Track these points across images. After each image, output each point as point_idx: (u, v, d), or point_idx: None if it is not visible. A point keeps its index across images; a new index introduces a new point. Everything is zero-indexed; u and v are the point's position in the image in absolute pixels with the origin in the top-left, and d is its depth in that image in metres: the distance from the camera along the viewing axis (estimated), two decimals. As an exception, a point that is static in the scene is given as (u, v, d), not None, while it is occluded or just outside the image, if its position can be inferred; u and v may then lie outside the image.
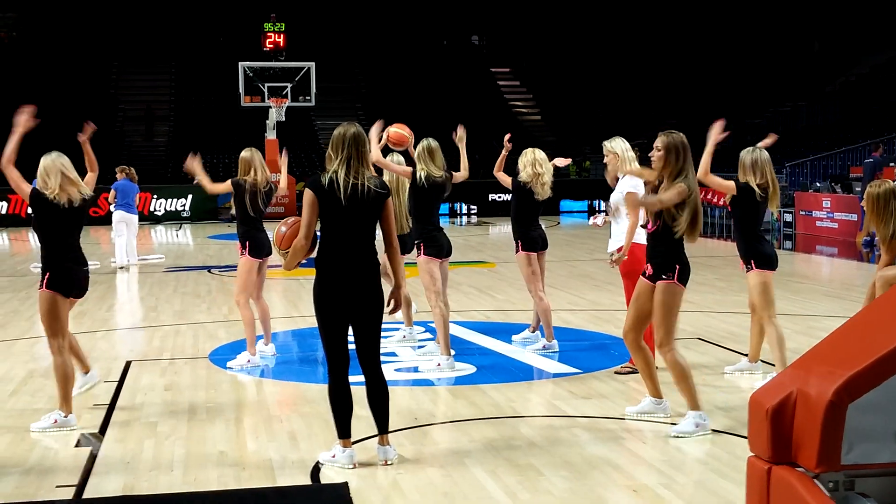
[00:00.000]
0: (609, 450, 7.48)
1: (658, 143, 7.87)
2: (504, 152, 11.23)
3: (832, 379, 3.73)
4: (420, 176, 10.17)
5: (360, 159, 6.97)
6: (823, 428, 3.70)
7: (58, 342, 8.19)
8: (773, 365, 9.44)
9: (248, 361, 10.43)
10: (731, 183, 9.25)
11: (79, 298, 8.44)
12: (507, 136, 11.31)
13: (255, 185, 10.34)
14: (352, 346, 7.12)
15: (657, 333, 7.92)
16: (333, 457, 7.12)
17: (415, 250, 10.52)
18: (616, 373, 9.95)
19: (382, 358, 7.32)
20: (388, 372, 9.90)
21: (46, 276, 8.12)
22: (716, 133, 8.97)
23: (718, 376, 9.81)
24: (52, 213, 8.08)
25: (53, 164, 8.12)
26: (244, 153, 10.48)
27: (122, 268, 19.99)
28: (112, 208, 20.68)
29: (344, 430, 7.10)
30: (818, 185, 30.79)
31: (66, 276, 8.17)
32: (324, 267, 7.00)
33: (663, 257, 7.84)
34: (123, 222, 20.34)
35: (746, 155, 9.28)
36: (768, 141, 9.66)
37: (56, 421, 8.16)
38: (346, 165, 6.92)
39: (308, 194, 6.95)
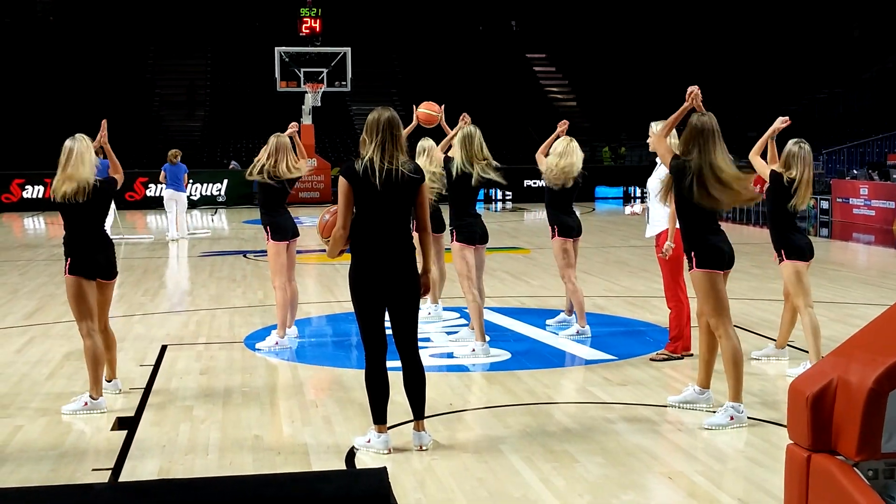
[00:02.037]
0: (644, 437, 7.45)
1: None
2: (552, 136, 11.11)
3: (873, 367, 3.70)
4: (458, 165, 10.19)
5: (395, 143, 6.94)
6: (864, 416, 3.67)
7: (86, 325, 8.28)
8: (804, 351, 9.42)
9: (277, 343, 10.52)
10: (768, 170, 9.23)
11: (108, 280, 8.50)
12: (563, 124, 11.16)
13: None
14: (388, 332, 7.12)
15: (708, 319, 7.90)
16: (368, 441, 7.13)
17: (449, 237, 10.56)
18: (651, 360, 9.90)
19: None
20: (423, 357, 9.91)
21: (68, 262, 8.25)
22: (777, 122, 9.22)
23: (753, 364, 9.76)
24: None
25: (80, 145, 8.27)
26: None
27: (173, 240, 22.43)
28: (164, 188, 23.54)
29: (379, 416, 7.09)
30: (855, 172, 30.57)
31: (88, 260, 8.26)
32: (359, 252, 6.99)
33: (685, 246, 7.86)
34: (173, 200, 23.03)
35: (788, 145, 9.26)
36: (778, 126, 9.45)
37: (86, 403, 8.23)
38: (380, 150, 6.89)
39: (342, 182, 6.92)
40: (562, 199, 10.97)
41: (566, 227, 10.94)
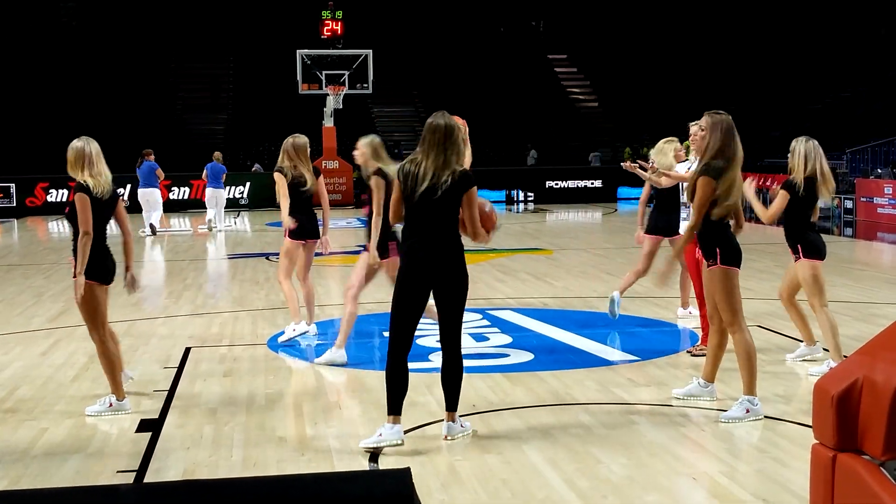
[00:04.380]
0: (668, 437, 7.43)
1: (703, 122, 7.92)
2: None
3: (899, 366, 3.67)
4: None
5: None
6: (890, 415, 3.64)
7: (98, 333, 8.27)
8: (825, 350, 9.43)
9: (294, 330, 10.73)
10: (784, 194, 9.17)
11: (111, 283, 8.38)
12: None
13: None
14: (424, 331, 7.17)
15: (722, 316, 7.94)
16: (380, 436, 7.13)
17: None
18: (688, 353, 10.09)
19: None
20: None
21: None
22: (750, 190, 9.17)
23: (777, 363, 9.73)
24: (95, 204, 8.10)
25: (93, 148, 8.17)
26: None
27: (220, 231, 26.01)
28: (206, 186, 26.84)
29: (395, 407, 7.15)
30: (879, 171, 30.41)
31: (104, 264, 8.19)
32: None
33: (705, 243, 7.87)
34: (214, 197, 26.57)
35: (796, 145, 9.23)
36: None
37: (111, 405, 8.28)
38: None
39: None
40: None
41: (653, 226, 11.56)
